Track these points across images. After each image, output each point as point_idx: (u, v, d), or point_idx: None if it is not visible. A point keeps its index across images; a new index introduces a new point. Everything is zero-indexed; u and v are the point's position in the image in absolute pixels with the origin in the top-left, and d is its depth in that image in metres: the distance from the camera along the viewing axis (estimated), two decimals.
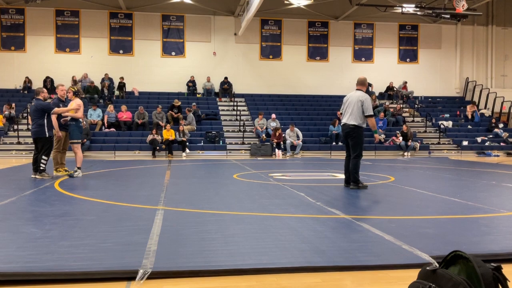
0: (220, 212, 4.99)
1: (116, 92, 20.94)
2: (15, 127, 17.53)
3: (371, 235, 3.90)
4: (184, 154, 16.63)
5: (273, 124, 18.54)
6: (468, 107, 22.06)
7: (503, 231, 4.19)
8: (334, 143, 18.27)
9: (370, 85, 22.86)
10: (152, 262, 3.03)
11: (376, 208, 5.66)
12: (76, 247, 3.43)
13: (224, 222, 4.47)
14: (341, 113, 7.57)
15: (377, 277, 2.91)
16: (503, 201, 6.12)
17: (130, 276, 2.82)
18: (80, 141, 9.17)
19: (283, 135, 17.61)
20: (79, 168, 8.79)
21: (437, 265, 1.83)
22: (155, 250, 3.33)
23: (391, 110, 20.76)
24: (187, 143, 17.07)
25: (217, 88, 21.98)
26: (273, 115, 19.05)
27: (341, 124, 7.47)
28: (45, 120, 8.42)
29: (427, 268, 1.77)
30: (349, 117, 7.16)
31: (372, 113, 7.27)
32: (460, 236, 3.93)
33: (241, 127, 18.95)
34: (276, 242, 3.64)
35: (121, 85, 20.81)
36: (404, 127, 18.44)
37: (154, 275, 2.83)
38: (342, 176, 9.29)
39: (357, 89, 7.38)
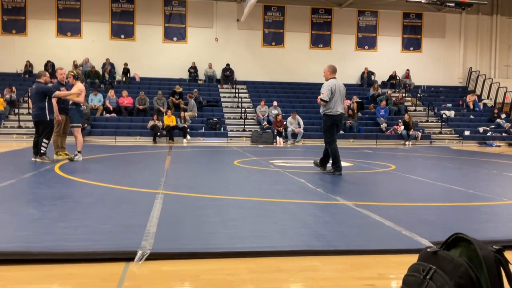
0: (220, 197, 4.97)
1: (118, 77, 20.84)
2: (16, 111, 17.50)
3: (371, 220, 3.89)
4: (185, 140, 16.62)
5: (275, 111, 18.47)
6: (468, 96, 21.96)
7: (503, 219, 4.18)
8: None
9: (372, 73, 22.77)
10: (151, 243, 3.02)
11: (376, 194, 5.64)
12: (75, 228, 3.43)
13: (224, 206, 4.46)
14: (325, 101, 7.29)
15: (377, 261, 2.90)
16: (504, 190, 6.10)
17: (128, 257, 2.81)
18: (80, 125, 9.14)
19: (284, 122, 17.56)
20: (79, 152, 8.78)
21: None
22: (154, 232, 3.32)
23: (394, 99, 20.67)
24: (188, 130, 17.04)
25: (218, 75, 21.87)
26: (275, 103, 18.98)
27: (337, 113, 7.29)
28: (46, 104, 8.36)
29: (428, 249, 1.75)
30: (342, 106, 7.44)
31: None
32: (461, 223, 3.92)
33: (243, 114, 18.89)
34: (275, 226, 3.63)
35: (125, 71, 20.67)
36: (406, 116, 18.37)
37: (153, 256, 2.82)
38: (344, 163, 9.30)
39: (335, 78, 7.56)
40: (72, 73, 9.17)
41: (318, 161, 7.59)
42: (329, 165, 7.46)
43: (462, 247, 1.74)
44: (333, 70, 7.53)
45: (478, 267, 1.62)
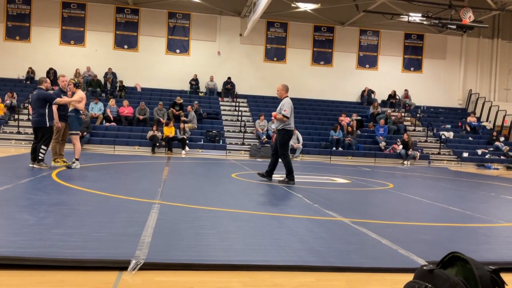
0: (216, 209, 4.95)
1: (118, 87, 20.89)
2: (16, 116, 17.51)
3: (368, 238, 3.87)
4: (183, 151, 16.61)
5: (274, 126, 18.48)
6: (469, 118, 22.06)
7: (500, 241, 4.16)
8: (334, 148, 18.23)
9: (372, 92, 22.87)
10: (146, 253, 2.99)
11: (373, 212, 5.62)
12: (70, 235, 3.40)
13: (220, 218, 4.44)
14: (288, 117, 7.98)
15: (372, 279, 2.88)
16: (501, 212, 6.09)
17: (122, 266, 2.78)
18: (79, 132, 9.12)
19: None
20: (77, 159, 8.76)
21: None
22: (149, 242, 3.30)
23: (393, 118, 20.73)
24: (187, 141, 17.04)
25: (220, 88, 21.96)
26: None
27: (292, 128, 8.20)
28: (47, 110, 8.37)
29: (424, 267, 1.74)
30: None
31: None
32: (457, 244, 3.89)
33: (242, 128, 18.92)
34: (271, 240, 3.60)
35: (121, 88, 20.67)
36: (405, 136, 18.42)
37: (147, 266, 2.79)
38: (342, 180, 9.31)
39: (288, 96, 8.16)
40: (73, 81, 9.21)
41: (263, 172, 8.17)
42: (275, 177, 8.19)
43: (459, 266, 1.73)
44: (287, 89, 8.20)
45: (474, 287, 1.61)
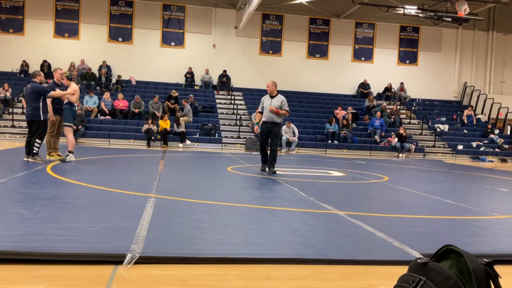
0: (212, 203, 4.95)
1: (114, 80, 20.78)
2: (10, 110, 17.40)
3: (363, 231, 3.88)
4: (180, 145, 16.60)
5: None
6: (466, 111, 22.13)
7: (494, 233, 4.19)
8: (329, 141, 18.26)
9: (368, 85, 22.87)
10: (141, 247, 3.00)
11: (368, 205, 5.64)
12: (65, 229, 3.39)
13: (216, 212, 4.44)
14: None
15: (367, 271, 2.89)
16: (495, 204, 6.13)
17: (117, 260, 2.78)
18: (72, 124, 9.06)
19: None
20: (70, 152, 8.71)
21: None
22: (145, 236, 3.30)
23: (388, 111, 20.76)
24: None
25: (215, 81, 21.89)
26: None
27: None
28: (41, 103, 8.34)
29: (418, 260, 1.75)
30: None
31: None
32: (451, 236, 3.92)
33: (238, 121, 18.90)
34: (266, 233, 3.61)
35: (118, 82, 20.55)
36: (401, 129, 18.46)
37: (142, 260, 2.79)
38: (337, 173, 9.34)
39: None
40: (65, 74, 9.16)
41: (268, 169, 8.44)
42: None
43: (453, 259, 1.74)
44: (276, 86, 8.69)
45: (468, 279, 1.62)
